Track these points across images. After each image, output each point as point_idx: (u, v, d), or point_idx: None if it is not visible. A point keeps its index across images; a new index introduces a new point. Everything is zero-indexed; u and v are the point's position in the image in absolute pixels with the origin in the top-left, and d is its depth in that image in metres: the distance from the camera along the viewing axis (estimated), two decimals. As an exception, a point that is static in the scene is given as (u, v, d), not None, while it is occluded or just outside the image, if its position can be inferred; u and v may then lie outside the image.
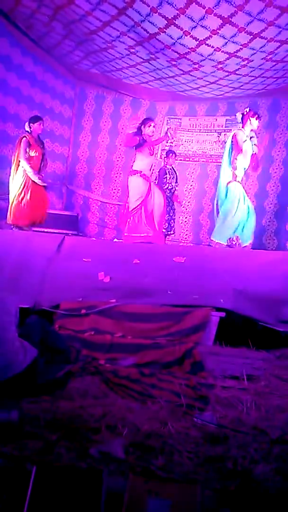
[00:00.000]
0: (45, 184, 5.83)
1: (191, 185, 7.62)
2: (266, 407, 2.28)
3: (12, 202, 5.67)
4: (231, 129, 7.41)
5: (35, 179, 5.65)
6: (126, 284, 3.99)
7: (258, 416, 2.15)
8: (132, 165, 6.10)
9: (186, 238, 7.62)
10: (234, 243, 5.42)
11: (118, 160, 8.00)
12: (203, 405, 2.29)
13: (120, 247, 4.86)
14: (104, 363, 2.94)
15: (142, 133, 5.88)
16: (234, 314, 3.66)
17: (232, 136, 5.46)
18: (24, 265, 4.26)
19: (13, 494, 1.31)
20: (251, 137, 5.45)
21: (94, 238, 7.12)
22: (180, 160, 7.44)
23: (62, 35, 6.18)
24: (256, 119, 5.46)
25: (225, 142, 5.84)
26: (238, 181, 5.47)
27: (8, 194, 6.21)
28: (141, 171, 5.96)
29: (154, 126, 6.07)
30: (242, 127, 5.47)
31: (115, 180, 8.01)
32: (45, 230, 5.90)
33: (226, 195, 5.44)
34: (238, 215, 5.36)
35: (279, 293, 3.85)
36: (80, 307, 3.75)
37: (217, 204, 5.60)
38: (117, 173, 8.00)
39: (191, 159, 7.55)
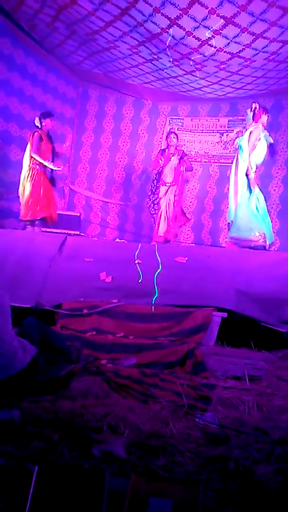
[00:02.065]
0: (60, 168, 6.04)
1: (193, 185, 7.62)
2: (268, 408, 2.28)
3: (25, 198, 5.73)
4: (233, 129, 7.44)
5: (51, 165, 5.76)
6: (128, 284, 3.99)
7: (260, 417, 2.15)
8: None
9: (187, 238, 7.62)
10: (260, 241, 5.36)
11: (120, 161, 8.00)
12: (205, 406, 2.29)
13: (122, 247, 4.86)
14: (106, 363, 2.94)
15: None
16: (236, 315, 3.66)
17: (249, 134, 5.46)
18: (26, 265, 4.26)
19: (15, 494, 1.31)
20: (263, 130, 5.51)
21: (96, 238, 7.12)
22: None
23: (65, 35, 6.19)
24: (265, 114, 5.54)
25: (231, 141, 5.91)
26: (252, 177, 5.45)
27: (11, 193, 6.24)
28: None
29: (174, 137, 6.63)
30: (256, 122, 5.48)
31: (117, 181, 8.01)
32: (47, 230, 5.91)
33: (248, 188, 5.42)
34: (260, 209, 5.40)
35: (281, 294, 3.84)
36: (82, 307, 3.75)
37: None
38: (119, 174, 8.01)
39: (193, 159, 7.55)
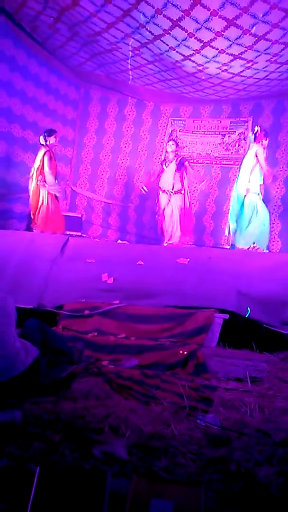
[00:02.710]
0: (61, 196, 6.22)
1: (194, 187, 7.62)
2: (269, 410, 2.27)
3: (37, 211, 5.84)
4: (235, 131, 7.44)
5: (57, 193, 5.94)
6: (129, 285, 3.99)
7: (261, 419, 2.15)
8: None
9: (188, 239, 7.61)
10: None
11: (122, 162, 8.01)
12: (207, 407, 2.29)
13: (123, 248, 4.86)
14: (108, 364, 2.94)
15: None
16: (237, 316, 3.66)
17: (255, 153, 5.80)
18: (28, 266, 4.26)
19: (17, 494, 1.31)
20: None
21: (97, 239, 7.12)
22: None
23: (67, 37, 6.19)
24: (266, 139, 5.91)
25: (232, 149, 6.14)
26: (254, 193, 5.80)
27: (14, 194, 6.27)
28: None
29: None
30: (258, 144, 5.86)
31: (119, 182, 8.02)
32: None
33: (242, 206, 5.81)
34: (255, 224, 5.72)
35: (283, 295, 3.84)
36: (84, 308, 3.75)
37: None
38: (121, 175, 8.01)
39: (195, 161, 7.55)
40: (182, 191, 6.65)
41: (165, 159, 6.82)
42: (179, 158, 6.66)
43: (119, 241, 7.09)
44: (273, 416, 2.18)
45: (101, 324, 3.61)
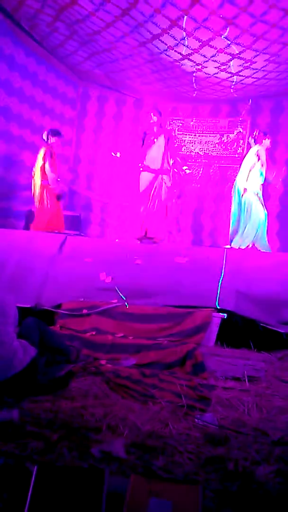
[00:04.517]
0: (62, 195, 6.07)
1: (193, 186, 7.62)
2: (267, 409, 2.28)
3: (38, 214, 5.82)
4: (233, 131, 7.44)
5: (58, 191, 5.85)
6: (127, 284, 3.99)
7: (259, 418, 2.15)
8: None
9: (186, 239, 7.61)
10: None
11: (120, 161, 7.99)
12: (204, 406, 2.29)
13: (121, 247, 4.86)
14: (105, 363, 2.94)
15: None
16: (235, 316, 3.66)
17: (256, 153, 5.77)
18: (26, 265, 4.26)
19: (14, 493, 1.31)
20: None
21: (95, 239, 7.11)
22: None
23: (66, 36, 6.18)
24: (267, 138, 5.87)
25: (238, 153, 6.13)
26: (251, 192, 5.75)
27: (13, 193, 6.27)
28: None
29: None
30: (260, 144, 5.83)
31: (118, 181, 8.00)
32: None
33: (242, 205, 5.78)
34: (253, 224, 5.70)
35: (281, 295, 3.85)
36: (82, 307, 3.75)
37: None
38: (119, 174, 8.00)
39: (193, 160, 7.55)
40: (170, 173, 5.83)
41: (147, 133, 5.89)
42: (168, 133, 5.94)
43: (117, 240, 7.08)
44: (270, 415, 2.19)
45: (99, 323, 3.61)
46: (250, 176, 5.73)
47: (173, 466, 1.61)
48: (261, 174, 5.77)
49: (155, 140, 5.83)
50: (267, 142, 5.87)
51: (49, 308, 3.80)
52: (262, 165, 5.75)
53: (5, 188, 6.26)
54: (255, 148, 5.83)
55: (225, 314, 3.60)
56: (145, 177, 5.82)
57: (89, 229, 7.82)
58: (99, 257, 4.34)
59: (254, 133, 5.96)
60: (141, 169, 5.89)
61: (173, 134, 6.46)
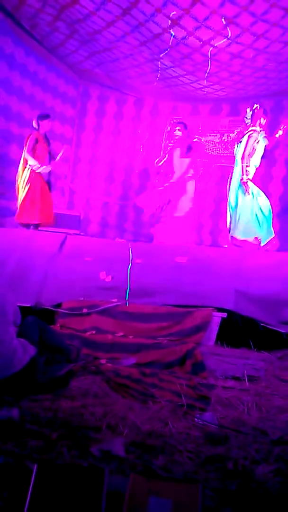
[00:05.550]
0: (49, 169, 5.87)
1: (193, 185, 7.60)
2: (267, 408, 2.28)
3: (21, 200, 5.71)
4: (234, 130, 7.43)
5: (40, 169, 5.67)
6: (127, 283, 3.99)
7: (259, 417, 2.15)
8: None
9: (187, 238, 7.59)
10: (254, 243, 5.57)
11: (120, 160, 7.99)
12: (204, 405, 2.30)
13: (121, 246, 4.86)
14: (105, 363, 2.94)
15: None
16: (235, 315, 3.66)
17: (247, 138, 5.60)
18: (26, 264, 4.26)
19: (14, 492, 1.31)
20: (260, 132, 5.65)
21: (96, 238, 7.11)
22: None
23: (66, 35, 6.18)
24: (264, 118, 5.67)
25: (237, 143, 5.95)
26: (249, 179, 5.60)
27: (12, 192, 6.23)
28: None
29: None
30: (253, 125, 5.62)
31: (117, 180, 8.00)
32: (47, 229, 5.91)
33: (242, 192, 5.61)
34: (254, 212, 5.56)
35: (281, 294, 3.85)
36: (82, 306, 3.75)
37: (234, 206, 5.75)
38: (119, 173, 8.00)
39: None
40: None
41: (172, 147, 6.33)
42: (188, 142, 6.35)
43: (117, 239, 7.08)
44: (270, 415, 2.19)
45: (99, 322, 3.61)
46: (244, 163, 5.56)
47: (172, 465, 1.61)
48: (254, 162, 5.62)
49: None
50: (262, 122, 5.65)
51: (49, 307, 3.80)
52: (249, 154, 5.55)
53: (4, 187, 6.26)
54: (246, 135, 5.64)
55: (225, 314, 3.60)
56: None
57: (89, 228, 7.82)
58: (99, 256, 4.34)
59: (255, 106, 5.69)
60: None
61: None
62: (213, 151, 7.62)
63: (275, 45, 5.32)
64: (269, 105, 7.14)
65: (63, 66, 7.23)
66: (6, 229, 5.47)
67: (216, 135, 7.60)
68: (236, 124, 7.43)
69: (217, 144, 7.59)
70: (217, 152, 7.58)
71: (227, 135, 7.50)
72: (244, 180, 5.53)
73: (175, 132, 6.28)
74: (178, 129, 6.27)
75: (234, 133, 7.46)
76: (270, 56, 5.59)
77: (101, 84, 7.74)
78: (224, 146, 7.52)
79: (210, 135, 7.64)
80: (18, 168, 6.13)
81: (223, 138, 7.53)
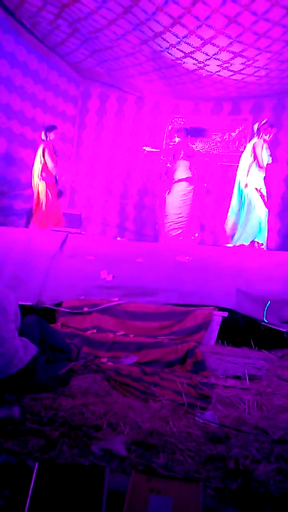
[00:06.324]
0: (61, 191, 6.30)
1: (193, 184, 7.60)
2: (268, 407, 2.28)
3: (39, 210, 5.89)
4: (235, 129, 7.42)
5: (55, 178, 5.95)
6: (128, 282, 3.99)
7: (259, 416, 2.15)
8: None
9: (188, 237, 7.59)
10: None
11: (121, 159, 7.98)
12: (205, 404, 2.30)
13: (123, 245, 4.86)
14: (106, 361, 2.95)
15: None
16: (236, 314, 3.66)
17: (252, 147, 5.67)
18: (27, 263, 4.26)
19: (15, 490, 1.31)
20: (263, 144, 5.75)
21: (97, 237, 7.11)
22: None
23: (67, 33, 6.17)
24: (269, 134, 5.72)
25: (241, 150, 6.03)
26: (252, 188, 5.67)
27: (14, 191, 6.27)
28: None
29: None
30: (258, 137, 5.69)
31: (118, 178, 8.00)
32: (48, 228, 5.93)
33: (242, 200, 5.73)
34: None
35: (282, 294, 3.84)
36: (83, 305, 3.75)
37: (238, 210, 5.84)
38: (120, 172, 7.99)
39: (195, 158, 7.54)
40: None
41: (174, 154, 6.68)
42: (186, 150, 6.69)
43: (118, 238, 7.08)
44: (271, 414, 2.19)
45: (100, 321, 3.61)
46: (250, 171, 5.64)
47: (173, 464, 1.61)
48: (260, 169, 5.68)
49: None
50: (266, 137, 5.73)
51: (50, 306, 3.80)
52: (257, 161, 5.63)
53: (6, 186, 6.27)
54: (252, 142, 5.73)
55: (226, 313, 3.60)
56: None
57: (90, 227, 7.82)
58: (100, 255, 4.34)
59: (263, 121, 5.79)
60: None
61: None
62: (214, 150, 7.61)
63: (277, 43, 5.31)
64: (271, 104, 7.15)
65: (64, 64, 7.23)
66: (7, 227, 5.47)
67: (217, 134, 7.60)
68: (238, 123, 7.43)
69: (218, 143, 7.58)
70: (218, 151, 7.57)
71: (229, 134, 7.49)
72: (249, 188, 5.64)
73: (174, 139, 6.72)
74: (176, 136, 6.67)
75: (235, 132, 7.46)
76: (272, 55, 5.58)
77: (102, 82, 7.74)
78: (225, 145, 7.52)
79: (211, 134, 7.63)
80: (19, 166, 6.15)
81: (225, 136, 7.52)
